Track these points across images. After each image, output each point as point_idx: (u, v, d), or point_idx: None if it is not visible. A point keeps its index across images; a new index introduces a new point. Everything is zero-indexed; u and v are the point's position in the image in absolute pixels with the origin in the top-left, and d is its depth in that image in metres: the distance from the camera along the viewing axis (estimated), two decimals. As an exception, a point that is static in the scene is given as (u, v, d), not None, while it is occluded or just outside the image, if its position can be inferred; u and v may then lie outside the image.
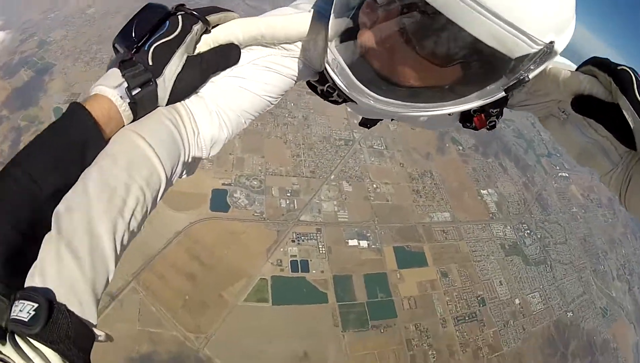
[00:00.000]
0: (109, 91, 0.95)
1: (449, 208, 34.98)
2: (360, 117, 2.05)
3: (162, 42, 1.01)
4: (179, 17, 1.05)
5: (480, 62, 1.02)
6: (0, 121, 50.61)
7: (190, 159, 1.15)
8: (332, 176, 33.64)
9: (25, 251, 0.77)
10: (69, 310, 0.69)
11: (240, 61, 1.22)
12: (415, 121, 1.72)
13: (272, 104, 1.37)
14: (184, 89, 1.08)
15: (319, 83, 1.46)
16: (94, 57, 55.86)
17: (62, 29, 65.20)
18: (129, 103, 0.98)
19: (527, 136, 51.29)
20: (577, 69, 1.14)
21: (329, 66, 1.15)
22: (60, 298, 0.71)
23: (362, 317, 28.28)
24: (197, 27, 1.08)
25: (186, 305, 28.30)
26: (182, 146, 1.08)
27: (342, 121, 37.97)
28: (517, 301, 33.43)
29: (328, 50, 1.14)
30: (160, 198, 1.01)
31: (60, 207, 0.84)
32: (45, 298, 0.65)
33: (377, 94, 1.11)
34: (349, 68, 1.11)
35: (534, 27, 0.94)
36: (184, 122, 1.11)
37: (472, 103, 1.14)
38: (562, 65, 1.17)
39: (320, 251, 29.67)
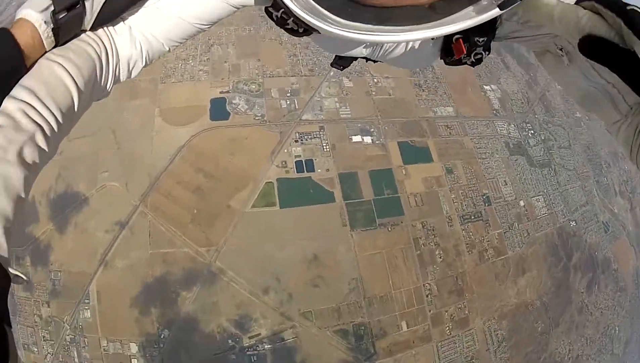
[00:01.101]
0: (34, 15, 0.88)
1: (452, 102, 34.21)
2: (333, 57, 1.81)
3: None
4: None
5: None
6: None
7: (109, 83, 1.13)
8: (332, 73, 32.70)
9: None
10: None
11: None
12: (393, 59, 1.55)
13: (202, 30, 1.31)
14: (111, 13, 0.99)
15: (274, 9, 1.34)
16: None
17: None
18: (52, 29, 0.91)
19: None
20: (577, 2, 0.96)
21: None
22: None
23: (369, 215, 28.31)
24: None
25: (195, 220, 28.42)
26: (99, 71, 1.05)
27: (331, 14, 36.75)
28: (521, 203, 33.27)
29: None
30: (76, 119, 1.02)
31: None
32: None
33: (343, 18, 0.89)
34: None
35: None
36: (105, 48, 1.08)
37: (458, 24, 0.94)
38: None
39: (325, 149, 29.40)
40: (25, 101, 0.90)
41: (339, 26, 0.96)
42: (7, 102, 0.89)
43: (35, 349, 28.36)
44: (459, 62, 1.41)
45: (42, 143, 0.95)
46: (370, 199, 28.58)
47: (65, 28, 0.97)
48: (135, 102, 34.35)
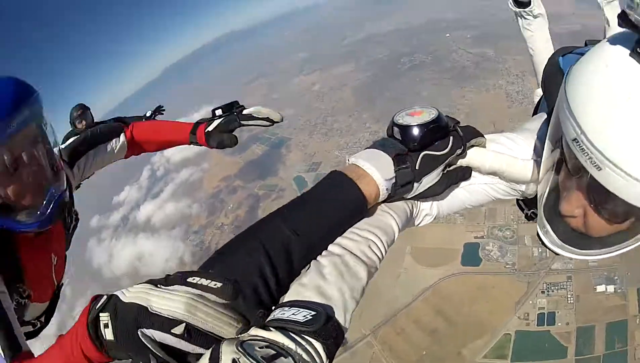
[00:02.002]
0: (382, 182, 1.14)
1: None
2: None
3: (431, 154, 1.20)
4: (451, 138, 1.22)
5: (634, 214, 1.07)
6: (234, 190, 56.85)
7: (406, 227, 1.36)
8: None
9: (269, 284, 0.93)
10: (339, 324, 0.89)
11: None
12: None
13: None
14: (426, 195, 1.27)
15: (526, 206, 1.66)
16: (330, 128, 59.49)
17: (290, 108, 69.95)
18: (388, 194, 1.19)
19: None
20: None
21: (539, 228, 1.27)
22: (337, 315, 0.93)
23: (593, 372, 25.97)
24: (459, 151, 1.24)
25: (421, 361, 27.55)
26: (409, 219, 1.36)
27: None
28: None
29: (539, 215, 1.28)
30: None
31: (336, 250, 1.07)
32: (324, 310, 0.84)
33: (576, 248, 1.23)
34: (552, 229, 1.23)
35: None
36: (414, 205, 1.37)
37: (625, 249, 1.21)
38: None
39: (569, 301, 26.97)
40: (370, 239, 1.14)
41: (575, 253, 1.22)
42: (352, 236, 1.14)
43: None
44: None
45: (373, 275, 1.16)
46: (600, 354, 25.95)
47: (397, 196, 1.21)
48: (388, 237, 34.09)
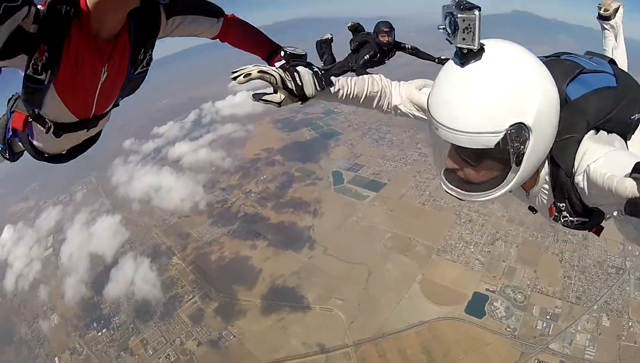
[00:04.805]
0: None
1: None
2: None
3: None
4: None
5: (483, 157, 1.49)
6: (272, 163, 57.72)
7: None
8: (595, 307, 29.88)
9: None
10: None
11: None
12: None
13: None
14: None
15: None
16: (382, 137, 59.70)
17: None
18: None
19: None
20: (629, 175, 1.28)
21: (441, 181, 1.69)
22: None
23: None
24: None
25: None
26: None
27: (618, 246, 33.82)
28: None
29: (440, 175, 1.71)
30: None
31: None
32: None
33: (463, 191, 1.60)
34: (447, 180, 1.66)
35: (484, 125, 1.35)
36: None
37: (508, 185, 1.52)
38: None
39: None
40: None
41: (457, 193, 1.63)
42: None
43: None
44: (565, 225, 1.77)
45: None
46: None
47: None
48: (403, 259, 35.46)
